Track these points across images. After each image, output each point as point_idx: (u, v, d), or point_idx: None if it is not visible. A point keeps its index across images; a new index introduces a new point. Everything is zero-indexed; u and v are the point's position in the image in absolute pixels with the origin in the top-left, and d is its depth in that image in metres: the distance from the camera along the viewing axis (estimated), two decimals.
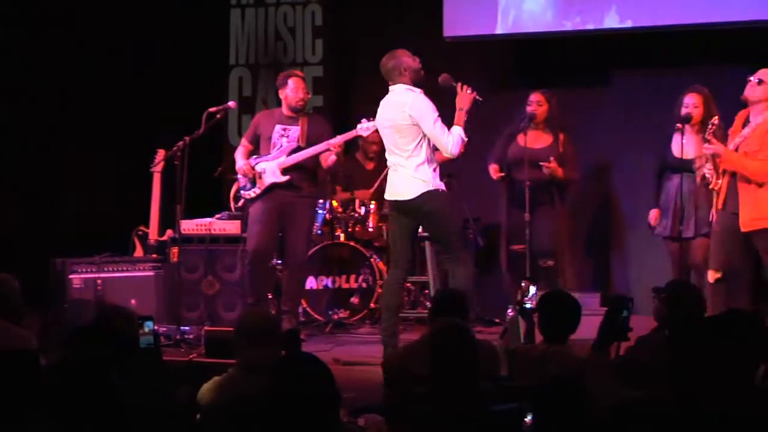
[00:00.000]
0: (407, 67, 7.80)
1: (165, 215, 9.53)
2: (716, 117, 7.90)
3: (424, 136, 7.73)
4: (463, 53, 10.32)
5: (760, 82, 7.79)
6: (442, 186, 7.88)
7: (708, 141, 7.83)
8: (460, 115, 7.82)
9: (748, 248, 8.08)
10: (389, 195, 7.98)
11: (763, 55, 9.09)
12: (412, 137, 7.75)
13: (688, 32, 9.64)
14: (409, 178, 7.78)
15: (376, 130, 8.32)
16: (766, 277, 7.91)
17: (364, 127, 8.91)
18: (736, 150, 7.78)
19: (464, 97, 7.86)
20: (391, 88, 7.88)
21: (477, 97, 7.85)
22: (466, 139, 7.78)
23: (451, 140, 7.71)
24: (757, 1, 9.40)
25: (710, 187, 7.92)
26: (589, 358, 5.28)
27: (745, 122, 7.86)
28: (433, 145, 7.80)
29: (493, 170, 9.19)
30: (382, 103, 7.95)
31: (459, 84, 7.90)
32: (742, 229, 7.74)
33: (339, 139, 8.93)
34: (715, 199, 7.93)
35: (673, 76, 9.53)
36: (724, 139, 8.06)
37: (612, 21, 9.77)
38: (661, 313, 5.99)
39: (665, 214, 8.67)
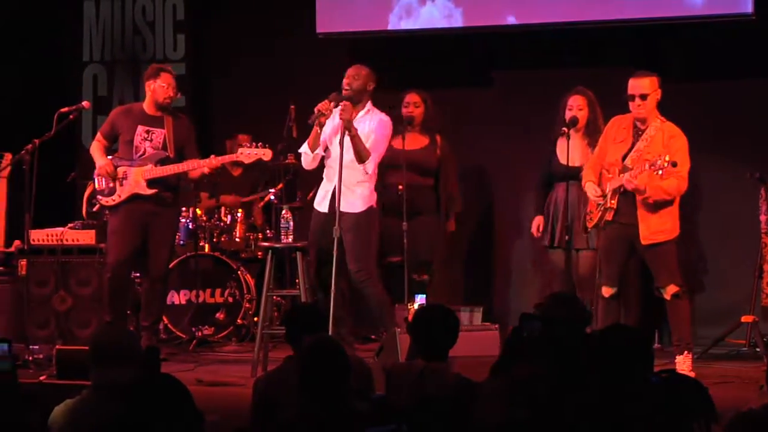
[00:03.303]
0: None
1: (12, 224, 9.42)
2: (668, 156, 7.64)
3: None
4: (336, 50, 10.34)
5: (644, 96, 7.87)
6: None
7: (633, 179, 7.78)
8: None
9: (636, 262, 8.22)
10: None
11: (641, 55, 9.32)
12: None
13: (568, 31, 9.76)
14: None
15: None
16: (654, 291, 8.05)
17: (246, 153, 8.74)
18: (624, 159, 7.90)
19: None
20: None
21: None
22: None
23: None
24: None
25: (604, 206, 7.97)
26: (486, 381, 5.26)
27: (637, 132, 7.94)
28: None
29: None
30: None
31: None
32: (643, 243, 7.84)
33: (217, 162, 8.84)
34: (599, 214, 8.03)
35: (553, 76, 9.66)
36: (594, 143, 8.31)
37: (498, 19, 9.89)
38: None
39: (551, 223, 8.75)
